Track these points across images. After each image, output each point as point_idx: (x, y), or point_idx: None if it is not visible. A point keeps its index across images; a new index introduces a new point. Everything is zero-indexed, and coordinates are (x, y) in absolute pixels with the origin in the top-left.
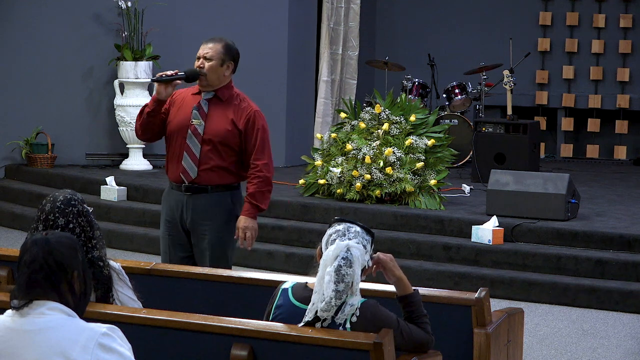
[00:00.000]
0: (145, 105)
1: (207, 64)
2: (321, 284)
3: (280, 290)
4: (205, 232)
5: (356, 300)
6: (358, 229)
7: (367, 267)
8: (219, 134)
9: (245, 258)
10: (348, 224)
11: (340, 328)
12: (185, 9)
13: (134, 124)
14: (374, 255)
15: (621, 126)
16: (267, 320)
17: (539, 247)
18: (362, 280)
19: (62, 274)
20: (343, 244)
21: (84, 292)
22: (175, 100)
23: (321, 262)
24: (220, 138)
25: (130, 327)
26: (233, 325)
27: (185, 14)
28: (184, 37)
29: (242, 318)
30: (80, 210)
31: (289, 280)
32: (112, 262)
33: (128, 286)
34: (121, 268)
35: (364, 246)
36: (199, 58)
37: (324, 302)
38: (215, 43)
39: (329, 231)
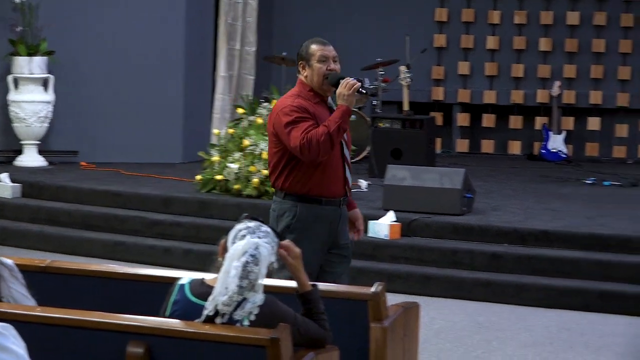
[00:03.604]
0: (325, 127)
1: (337, 67)
2: (225, 277)
3: (177, 286)
4: (347, 241)
5: (257, 298)
6: (268, 229)
7: (272, 268)
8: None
9: (142, 254)
10: (259, 223)
11: (238, 325)
12: (80, 4)
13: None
14: (283, 242)
15: (515, 121)
16: (164, 317)
17: (435, 242)
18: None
19: None
20: (253, 241)
21: None
22: (310, 112)
23: (227, 255)
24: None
25: (24, 325)
26: (129, 323)
27: (80, 8)
28: (80, 32)
29: (139, 315)
30: None
31: (186, 276)
32: (3, 259)
33: (21, 283)
34: (14, 265)
35: (272, 247)
36: (325, 60)
37: (226, 296)
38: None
39: (239, 226)
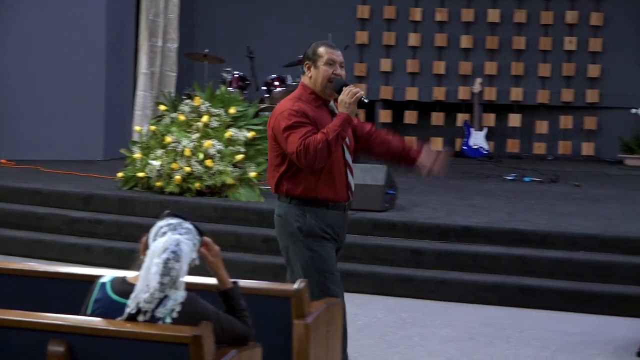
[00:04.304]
0: (323, 134)
1: (343, 73)
2: (146, 274)
3: (99, 284)
4: (342, 246)
5: (179, 295)
6: (191, 226)
7: (194, 265)
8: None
9: (63, 252)
10: (181, 220)
11: (161, 322)
12: None
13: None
14: (204, 239)
15: (437, 118)
16: (85, 315)
17: (357, 238)
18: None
19: None
20: (174, 237)
21: None
22: (310, 116)
23: (149, 252)
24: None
25: None
26: (49, 321)
27: None
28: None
29: (60, 314)
30: None
31: (108, 274)
32: None
33: None
34: None
35: (194, 244)
36: (332, 63)
37: (147, 294)
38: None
39: (160, 223)
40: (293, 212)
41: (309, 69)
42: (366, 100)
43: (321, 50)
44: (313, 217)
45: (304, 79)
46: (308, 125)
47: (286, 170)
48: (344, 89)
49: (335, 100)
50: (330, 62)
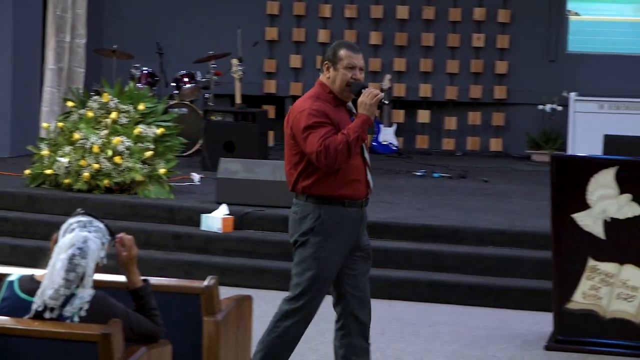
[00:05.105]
0: (344, 135)
1: (362, 77)
2: (52, 270)
3: (6, 283)
4: (367, 243)
5: (86, 293)
6: (101, 225)
7: (102, 264)
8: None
9: None
10: (92, 218)
11: (69, 321)
12: None
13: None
14: (119, 235)
15: None
16: None
17: (268, 234)
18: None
19: None
20: (82, 234)
21: None
22: (331, 117)
23: (56, 248)
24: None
25: None
26: None
27: None
28: None
29: None
30: None
31: (16, 273)
32: None
33: None
34: None
35: (103, 243)
36: (352, 68)
37: (52, 290)
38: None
39: (71, 220)
40: (309, 210)
41: (327, 69)
42: (386, 102)
43: (342, 53)
44: (328, 215)
45: (322, 78)
46: (328, 125)
47: (304, 168)
48: (364, 90)
49: (354, 101)
50: (351, 67)
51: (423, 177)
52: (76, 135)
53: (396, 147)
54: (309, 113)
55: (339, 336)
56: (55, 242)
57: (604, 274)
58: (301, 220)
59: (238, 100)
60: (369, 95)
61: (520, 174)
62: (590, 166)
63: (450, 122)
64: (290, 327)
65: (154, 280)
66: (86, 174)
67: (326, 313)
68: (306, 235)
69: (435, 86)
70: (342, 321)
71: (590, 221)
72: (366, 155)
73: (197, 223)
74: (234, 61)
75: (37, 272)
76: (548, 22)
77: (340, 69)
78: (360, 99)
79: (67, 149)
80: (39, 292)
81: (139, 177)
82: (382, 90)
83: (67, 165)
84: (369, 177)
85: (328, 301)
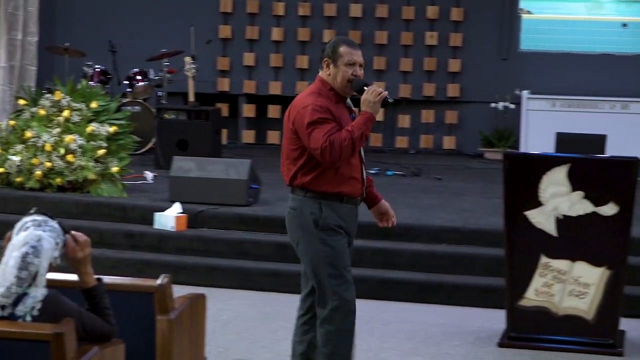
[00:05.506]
0: (348, 131)
1: (362, 73)
2: (4, 268)
3: None
4: (352, 242)
5: (38, 292)
6: (56, 225)
7: (56, 264)
8: None
9: None
10: (47, 218)
11: (21, 320)
12: None
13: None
14: (72, 232)
15: None
16: None
17: (221, 233)
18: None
19: None
20: (36, 233)
21: None
22: (333, 113)
23: (9, 245)
24: None
25: None
26: None
27: None
28: None
29: None
30: None
31: None
32: None
33: None
34: None
35: (57, 243)
36: (352, 64)
37: (4, 288)
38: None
39: (25, 218)
40: (308, 205)
41: (327, 66)
42: (390, 100)
43: (342, 50)
44: (328, 210)
45: (322, 74)
46: (332, 121)
47: (304, 164)
48: (366, 88)
49: (357, 98)
50: (351, 63)
51: (376, 175)
52: (28, 134)
53: None
54: (312, 109)
55: (302, 332)
56: (9, 240)
57: (556, 271)
58: (301, 215)
59: (191, 98)
60: (373, 93)
61: (474, 172)
62: (542, 164)
63: (404, 120)
64: (342, 323)
65: (107, 279)
66: (38, 172)
67: (280, 311)
68: (307, 230)
69: (389, 84)
70: (308, 316)
71: (542, 218)
72: (362, 152)
73: (150, 221)
74: (187, 59)
75: None
76: (501, 20)
77: (340, 66)
78: (363, 97)
79: (19, 147)
80: None
81: (91, 176)
82: None
83: (19, 163)
84: (365, 174)
85: (284, 298)
